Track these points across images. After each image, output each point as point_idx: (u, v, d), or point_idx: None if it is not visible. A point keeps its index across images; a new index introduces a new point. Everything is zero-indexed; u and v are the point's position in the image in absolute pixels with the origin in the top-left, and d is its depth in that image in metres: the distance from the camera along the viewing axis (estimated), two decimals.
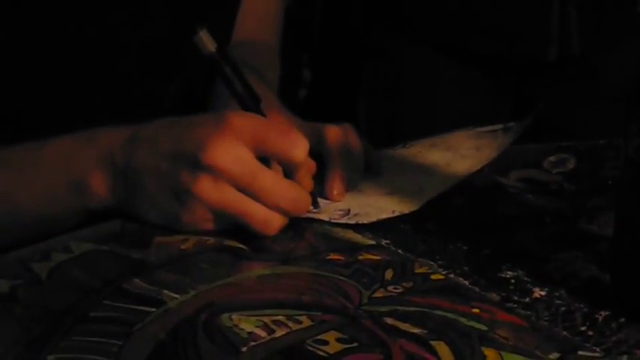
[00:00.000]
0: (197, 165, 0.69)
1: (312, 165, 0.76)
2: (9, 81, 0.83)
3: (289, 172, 0.74)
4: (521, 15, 1.34)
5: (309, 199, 0.74)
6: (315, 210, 0.77)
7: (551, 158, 0.92)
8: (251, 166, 0.71)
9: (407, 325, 0.58)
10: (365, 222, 0.75)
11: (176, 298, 0.62)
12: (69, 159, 0.75)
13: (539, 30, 1.33)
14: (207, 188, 0.70)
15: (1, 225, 0.76)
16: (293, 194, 0.72)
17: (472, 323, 0.59)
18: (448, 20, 1.38)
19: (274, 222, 0.72)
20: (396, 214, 0.76)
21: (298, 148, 0.72)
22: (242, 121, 0.72)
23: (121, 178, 0.73)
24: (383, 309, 0.61)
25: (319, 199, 0.79)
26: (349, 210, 0.77)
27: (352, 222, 0.75)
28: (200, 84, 0.94)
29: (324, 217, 0.76)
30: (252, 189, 0.71)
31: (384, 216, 0.76)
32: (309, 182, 0.76)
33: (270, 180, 0.71)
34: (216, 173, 0.69)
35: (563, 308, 0.61)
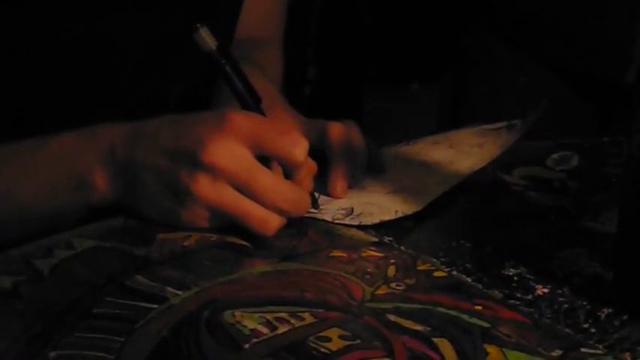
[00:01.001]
0: (196, 163, 0.69)
1: (313, 166, 0.76)
2: (13, 80, 0.84)
3: (289, 172, 0.74)
4: (605, 25, 1.26)
5: (308, 200, 0.74)
6: (314, 211, 0.76)
7: (555, 156, 0.92)
8: (249, 165, 0.71)
9: (409, 322, 0.58)
10: (368, 223, 0.75)
11: (178, 295, 0.62)
12: (71, 155, 0.75)
13: (620, 46, 1.25)
14: (206, 187, 0.70)
15: (3, 220, 0.76)
16: (292, 195, 0.72)
17: (475, 320, 0.59)
18: (527, 23, 1.33)
19: (272, 222, 0.71)
20: (399, 214, 0.76)
21: (298, 147, 0.72)
22: (242, 120, 0.71)
23: (121, 174, 0.73)
24: (386, 306, 0.60)
25: (322, 197, 0.78)
26: (352, 209, 0.77)
27: (355, 223, 0.75)
28: (204, 84, 0.94)
29: (327, 217, 0.76)
30: (250, 188, 0.70)
31: (387, 217, 0.76)
32: (309, 183, 0.76)
33: (269, 180, 0.71)
34: (215, 172, 0.69)
35: (566, 305, 0.61)
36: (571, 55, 1.31)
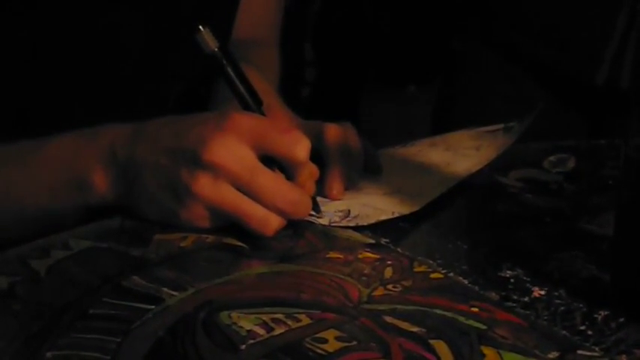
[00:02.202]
0: (197, 162, 0.69)
1: (314, 170, 0.76)
2: (13, 80, 0.83)
3: (291, 173, 0.74)
4: (579, 25, 1.26)
5: (309, 203, 0.74)
6: (316, 214, 0.76)
7: (551, 158, 0.92)
8: (251, 164, 0.71)
9: (406, 323, 0.58)
10: (364, 224, 0.75)
11: (175, 296, 0.62)
12: (71, 155, 0.75)
13: (593, 46, 1.25)
14: (206, 186, 0.70)
15: (2, 220, 0.76)
16: (293, 196, 0.72)
17: (471, 322, 0.59)
18: (502, 16, 1.33)
19: (272, 223, 0.71)
20: (396, 215, 0.76)
21: (300, 146, 0.72)
22: (244, 119, 0.71)
23: (122, 174, 0.73)
24: (382, 307, 0.60)
25: (319, 198, 0.78)
26: (349, 211, 0.77)
27: (352, 224, 0.75)
28: (203, 84, 0.94)
29: (324, 221, 0.76)
30: (250, 188, 0.70)
31: (384, 217, 0.76)
32: (311, 186, 0.75)
33: (270, 180, 0.71)
34: (216, 171, 0.69)
35: (562, 307, 0.61)
36: (547, 55, 1.31)
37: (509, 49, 1.34)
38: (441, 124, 1.42)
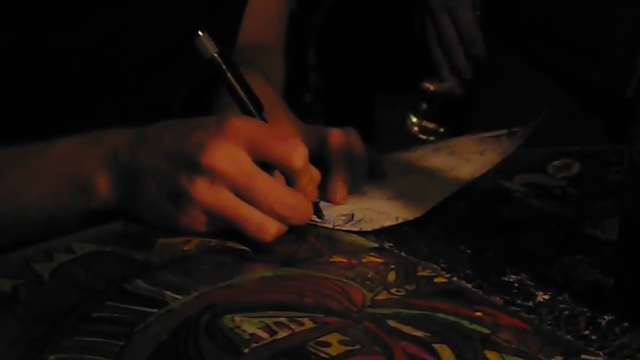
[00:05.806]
0: (195, 166, 0.69)
1: (316, 174, 0.75)
2: (16, 84, 0.84)
3: (290, 179, 0.73)
4: (610, 38, 1.26)
5: (309, 208, 0.73)
6: (319, 220, 0.76)
7: (556, 163, 0.92)
8: (248, 169, 0.70)
9: (409, 327, 0.58)
10: (368, 229, 0.75)
11: (178, 299, 0.61)
12: (75, 158, 0.75)
13: (624, 60, 1.25)
14: (204, 190, 0.69)
15: (6, 223, 0.76)
16: (291, 201, 0.71)
17: (475, 326, 0.59)
18: (532, 27, 1.33)
19: (269, 228, 0.71)
20: (400, 220, 0.76)
21: (296, 153, 0.71)
22: (242, 124, 0.71)
23: (124, 177, 0.73)
24: (386, 311, 0.60)
25: (322, 203, 0.78)
26: (352, 215, 0.77)
27: (355, 229, 0.75)
28: (207, 89, 0.94)
29: (328, 225, 0.76)
30: (248, 192, 0.70)
31: (388, 223, 0.75)
32: (313, 191, 0.75)
33: (268, 185, 0.71)
34: (214, 175, 0.69)
35: (566, 312, 0.61)
36: (576, 68, 1.31)
37: (537, 60, 1.34)
38: (457, 131, 1.42)
